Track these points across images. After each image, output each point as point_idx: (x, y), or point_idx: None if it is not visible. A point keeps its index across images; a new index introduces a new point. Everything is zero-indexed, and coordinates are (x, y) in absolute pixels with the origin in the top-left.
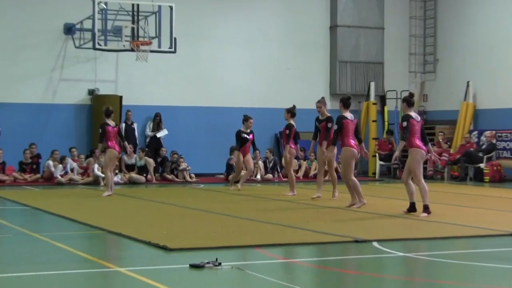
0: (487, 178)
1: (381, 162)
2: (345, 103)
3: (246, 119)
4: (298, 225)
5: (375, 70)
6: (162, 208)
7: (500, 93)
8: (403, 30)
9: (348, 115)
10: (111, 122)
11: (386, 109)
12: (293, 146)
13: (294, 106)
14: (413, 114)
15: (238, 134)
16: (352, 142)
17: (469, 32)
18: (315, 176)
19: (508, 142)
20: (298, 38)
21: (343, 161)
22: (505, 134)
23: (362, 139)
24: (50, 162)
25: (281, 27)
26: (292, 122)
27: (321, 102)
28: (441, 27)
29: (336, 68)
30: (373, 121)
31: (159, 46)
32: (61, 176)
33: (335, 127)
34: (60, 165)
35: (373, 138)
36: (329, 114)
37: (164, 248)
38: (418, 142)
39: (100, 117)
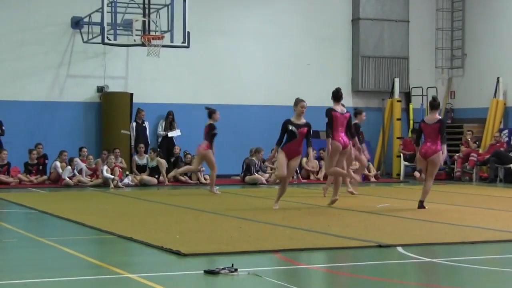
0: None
1: (406, 163)
2: (335, 95)
3: (359, 112)
4: (319, 229)
5: (399, 66)
6: (175, 212)
7: None
8: (429, 23)
9: (339, 108)
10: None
11: (411, 106)
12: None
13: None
14: (427, 117)
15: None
16: (340, 137)
17: (500, 25)
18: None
19: None
20: (318, 31)
21: (326, 154)
22: None
23: (354, 135)
24: (58, 163)
25: (300, 20)
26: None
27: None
28: (469, 20)
29: (358, 63)
30: (398, 119)
31: (172, 40)
32: (70, 178)
33: (326, 120)
34: (69, 167)
35: (398, 138)
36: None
37: (178, 254)
38: (423, 144)
39: (110, 115)
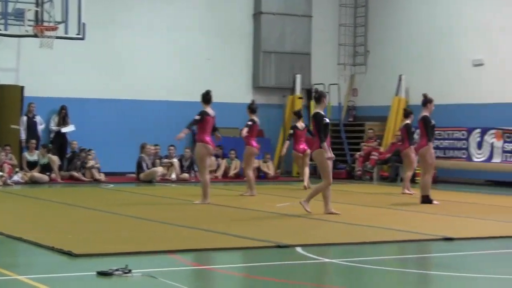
0: (418, 179)
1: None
2: (204, 98)
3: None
4: (217, 229)
5: (301, 62)
6: (67, 211)
7: (435, 88)
8: (332, 18)
9: (210, 111)
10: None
11: (312, 104)
12: (255, 145)
13: (253, 101)
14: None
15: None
16: (208, 138)
17: (402, 22)
18: (236, 175)
19: (441, 141)
20: (218, 25)
21: (197, 158)
22: (437, 132)
23: (220, 137)
24: None
25: (200, 13)
26: (254, 118)
27: None
28: (372, 16)
29: (259, 59)
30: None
31: (66, 32)
32: None
33: (197, 117)
34: None
35: None
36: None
37: (69, 254)
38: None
39: None
